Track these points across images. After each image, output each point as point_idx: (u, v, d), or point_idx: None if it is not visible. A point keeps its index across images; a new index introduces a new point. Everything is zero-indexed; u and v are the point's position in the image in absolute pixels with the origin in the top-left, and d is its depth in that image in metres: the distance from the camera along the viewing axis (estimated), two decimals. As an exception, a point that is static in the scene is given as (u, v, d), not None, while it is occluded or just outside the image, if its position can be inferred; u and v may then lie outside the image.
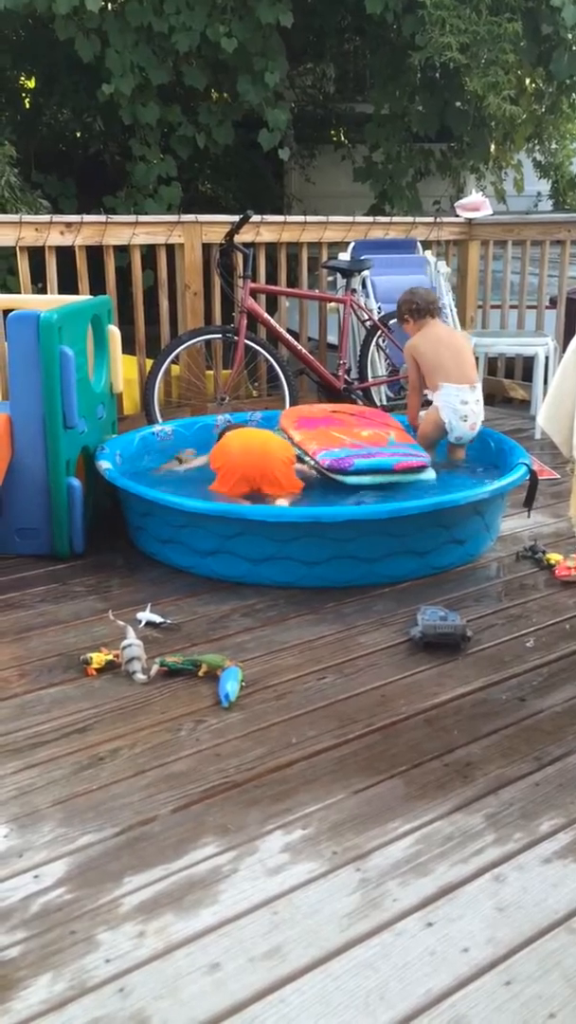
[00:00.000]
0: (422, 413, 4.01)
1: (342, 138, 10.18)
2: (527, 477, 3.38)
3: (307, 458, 3.55)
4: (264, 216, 5.11)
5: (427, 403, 4.77)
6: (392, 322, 5.03)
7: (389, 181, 8.28)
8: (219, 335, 4.62)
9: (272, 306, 5.40)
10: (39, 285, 4.74)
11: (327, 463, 3.37)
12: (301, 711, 2.30)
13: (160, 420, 4.33)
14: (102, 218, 4.66)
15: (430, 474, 3.46)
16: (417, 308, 3.99)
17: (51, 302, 3.68)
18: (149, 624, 2.76)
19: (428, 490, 3.39)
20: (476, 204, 5.91)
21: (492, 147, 8.40)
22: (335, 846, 1.81)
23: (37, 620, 2.83)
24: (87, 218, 4.59)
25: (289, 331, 4.99)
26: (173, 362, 4.54)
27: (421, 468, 3.42)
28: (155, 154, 7.67)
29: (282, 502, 3.36)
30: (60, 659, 2.58)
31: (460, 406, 3.74)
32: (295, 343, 4.81)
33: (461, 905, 1.66)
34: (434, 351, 3.88)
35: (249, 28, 7.04)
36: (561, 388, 2.81)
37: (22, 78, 9.55)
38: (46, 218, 4.52)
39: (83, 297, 4.03)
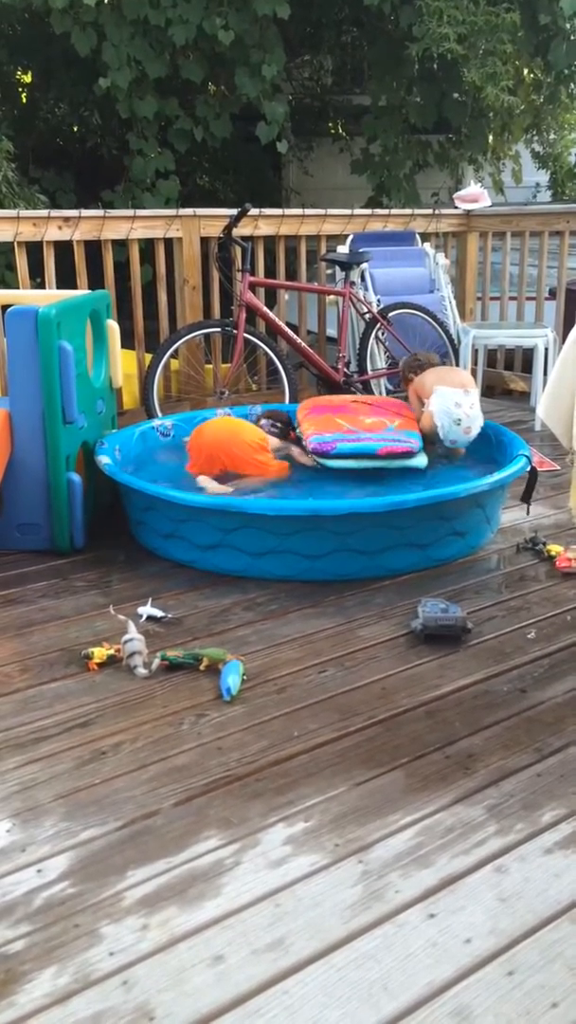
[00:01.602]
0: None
1: (340, 130, 10.15)
2: (527, 469, 3.37)
3: (304, 442, 3.65)
4: (262, 209, 5.10)
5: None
6: (392, 314, 5.03)
7: (387, 173, 8.25)
8: (218, 329, 4.61)
9: (271, 299, 5.39)
10: (37, 280, 4.73)
11: (313, 446, 3.48)
12: (302, 704, 2.31)
13: (160, 414, 4.33)
14: (100, 212, 4.65)
15: (420, 461, 3.45)
16: (419, 364, 4.01)
17: (49, 297, 3.68)
18: (150, 618, 2.76)
19: (428, 483, 3.39)
20: (474, 195, 5.90)
21: (490, 138, 8.37)
22: (337, 838, 1.82)
23: (38, 615, 2.84)
24: (85, 213, 4.58)
25: (288, 324, 4.98)
26: (172, 356, 4.54)
27: (408, 454, 3.43)
28: (153, 148, 7.65)
29: (208, 484, 3.40)
30: (61, 654, 2.58)
31: (454, 408, 3.62)
32: (294, 336, 4.80)
33: (463, 896, 1.66)
34: (428, 373, 3.88)
35: (246, 20, 7.02)
36: (561, 380, 2.81)
37: (18, 73, 9.52)
38: (44, 213, 4.52)
39: (81, 292, 4.03)
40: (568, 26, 7.35)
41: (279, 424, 3.96)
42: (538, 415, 3.71)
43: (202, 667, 2.46)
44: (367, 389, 4.96)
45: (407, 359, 4.16)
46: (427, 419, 3.72)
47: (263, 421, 4.00)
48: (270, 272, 5.30)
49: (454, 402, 3.65)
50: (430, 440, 3.75)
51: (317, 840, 1.81)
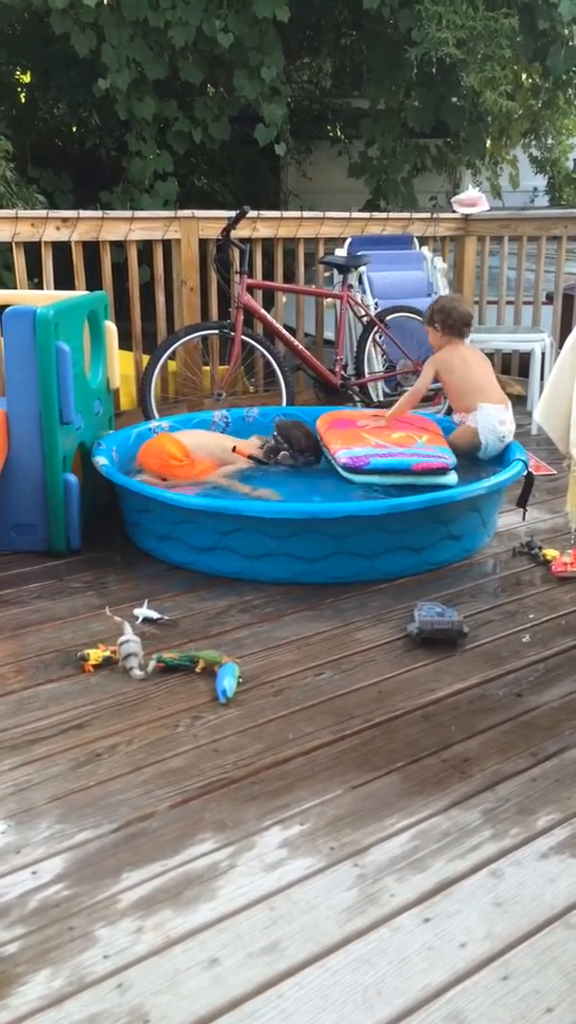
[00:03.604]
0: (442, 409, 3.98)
1: (338, 133, 10.15)
2: (524, 473, 3.38)
3: (329, 456, 3.55)
4: (261, 211, 5.10)
5: (425, 399, 4.78)
6: (389, 318, 5.04)
7: (385, 176, 8.26)
8: (216, 331, 4.61)
9: (269, 302, 5.39)
10: (35, 280, 4.73)
11: (343, 461, 3.37)
12: (298, 707, 2.31)
13: (157, 416, 4.33)
14: (98, 213, 4.65)
15: (452, 478, 3.30)
16: (454, 324, 3.87)
17: (47, 298, 3.68)
18: (146, 620, 2.76)
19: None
20: (473, 199, 5.91)
21: (488, 142, 8.38)
22: (332, 842, 1.82)
23: (34, 616, 2.83)
24: (83, 213, 4.58)
25: (286, 327, 4.98)
26: (170, 358, 4.53)
27: (442, 470, 3.29)
28: (151, 149, 7.64)
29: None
30: (57, 655, 2.58)
31: (499, 426, 3.67)
32: (292, 339, 4.81)
33: (458, 900, 1.66)
34: (466, 370, 3.81)
35: (245, 23, 7.02)
36: (558, 384, 2.82)
37: (18, 72, 9.52)
38: (42, 213, 4.51)
39: (79, 293, 4.02)
40: (567, 31, 7.36)
41: (279, 439, 3.75)
42: (535, 419, 3.72)
43: (198, 669, 2.46)
44: (364, 392, 4.97)
45: (447, 304, 3.91)
46: (468, 434, 3.71)
47: (273, 435, 3.82)
48: (268, 274, 5.30)
49: (498, 420, 3.68)
50: (463, 453, 3.71)
51: (313, 843, 1.81)
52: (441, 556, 3.20)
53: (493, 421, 3.68)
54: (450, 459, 3.36)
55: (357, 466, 3.33)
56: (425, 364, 3.97)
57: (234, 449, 3.68)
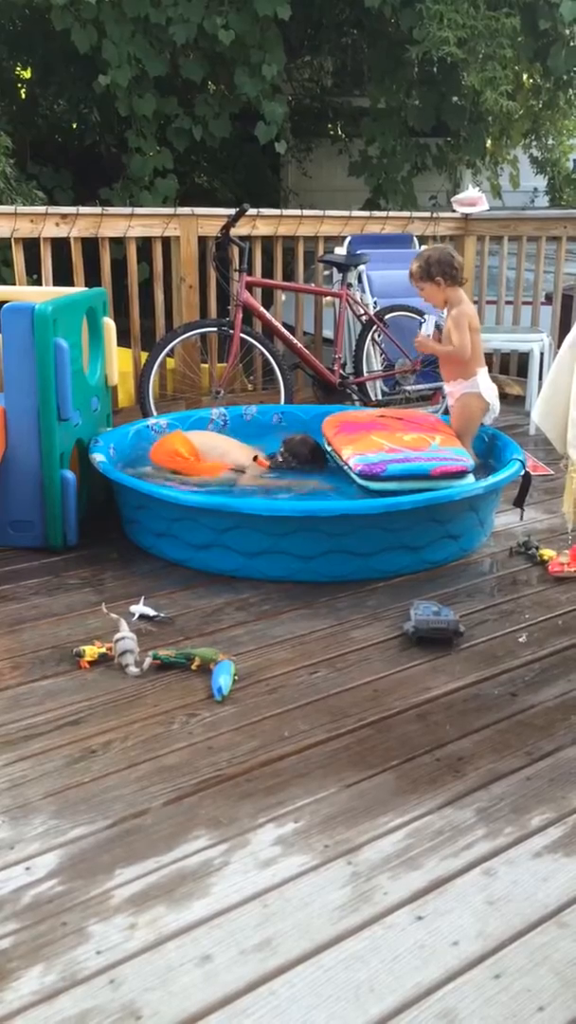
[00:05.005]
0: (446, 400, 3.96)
1: (339, 132, 10.15)
2: (521, 473, 3.38)
3: (340, 463, 3.47)
4: (260, 209, 5.10)
5: (423, 398, 4.80)
6: (388, 317, 5.03)
7: (385, 176, 8.26)
8: (215, 328, 4.61)
9: (268, 300, 5.39)
10: (34, 277, 4.73)
11: (359, 468, 3.24)
12: (293, 705, 2.31)
13: (155, 413, 4.33)
14: (98, 210, 4.65)
15: (469, 480, 3.23)
16: (457, 271, 3.68)
17: (46, 294, 3.67)
18: (142, 617, 2.76)
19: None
20: (473, 199, 5.91)
21: (488, 142, 8.38)
22: (326, 839, 1.82)
23: (30, 612, 2.83)
24: (83, 210, 4.58)
25: (285, 325, 4.98)
26: (168, 355, 4.53)
27: (461, 473, 3.21)
28: (151, 146, 7.63)
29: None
30: (53, 651, 2.58)
31: (492, 385, 3.74)
32: (290, 337, 4.81)
33: (451, 899, 1.67)
34: (477, 334, 3.74)
35: (247, 20, 7.01)
36: (556, 385, 2.82)
37: (18, 68, 9.51)
38: (42, 209, 4.51)
39: (78, 289, 4.02)
40: (567, 32, 7.37)
41: (287, 456, 3.69)
42: (533, 419, 3.73)
43: (194, 667, 2.46)
44: (363, 391, 4.97)
45: (443, 255, 3.67)
46: (476, 402, 3.71)
47: (280, 451, 3.73)
48: (267, 272, 5.30)
49: (489, 381, 3.75)
50: (473, 435, 3.76)
51: (306, 841, 1.81)
52: (438, 555, 3.20)
53: (488, 383, 3.74)
54: (468, 461, 3.29)
55: (374, 473, 3.20)
56: (454, 321, 3.64)
57: (255, 459, 3.65)
